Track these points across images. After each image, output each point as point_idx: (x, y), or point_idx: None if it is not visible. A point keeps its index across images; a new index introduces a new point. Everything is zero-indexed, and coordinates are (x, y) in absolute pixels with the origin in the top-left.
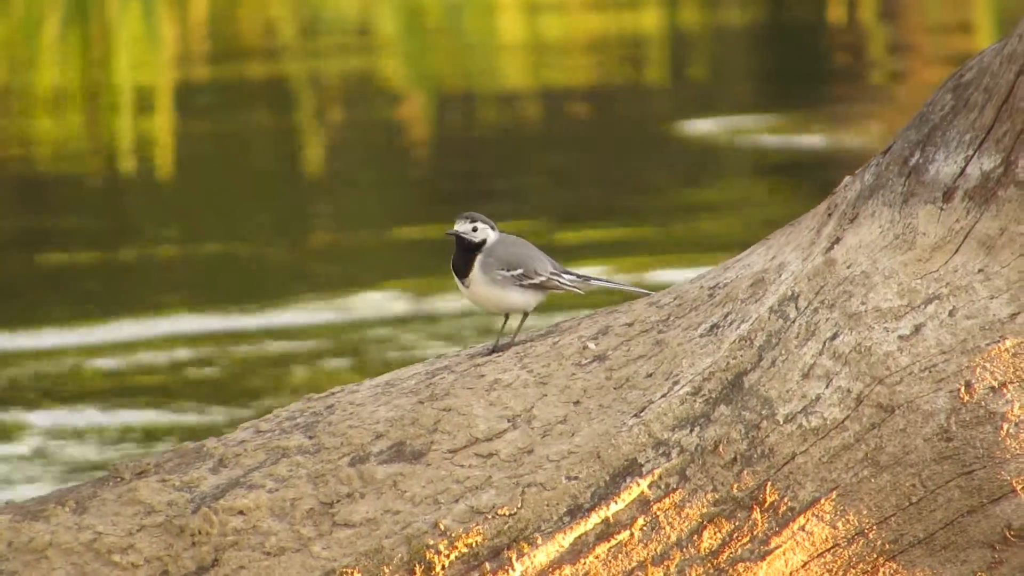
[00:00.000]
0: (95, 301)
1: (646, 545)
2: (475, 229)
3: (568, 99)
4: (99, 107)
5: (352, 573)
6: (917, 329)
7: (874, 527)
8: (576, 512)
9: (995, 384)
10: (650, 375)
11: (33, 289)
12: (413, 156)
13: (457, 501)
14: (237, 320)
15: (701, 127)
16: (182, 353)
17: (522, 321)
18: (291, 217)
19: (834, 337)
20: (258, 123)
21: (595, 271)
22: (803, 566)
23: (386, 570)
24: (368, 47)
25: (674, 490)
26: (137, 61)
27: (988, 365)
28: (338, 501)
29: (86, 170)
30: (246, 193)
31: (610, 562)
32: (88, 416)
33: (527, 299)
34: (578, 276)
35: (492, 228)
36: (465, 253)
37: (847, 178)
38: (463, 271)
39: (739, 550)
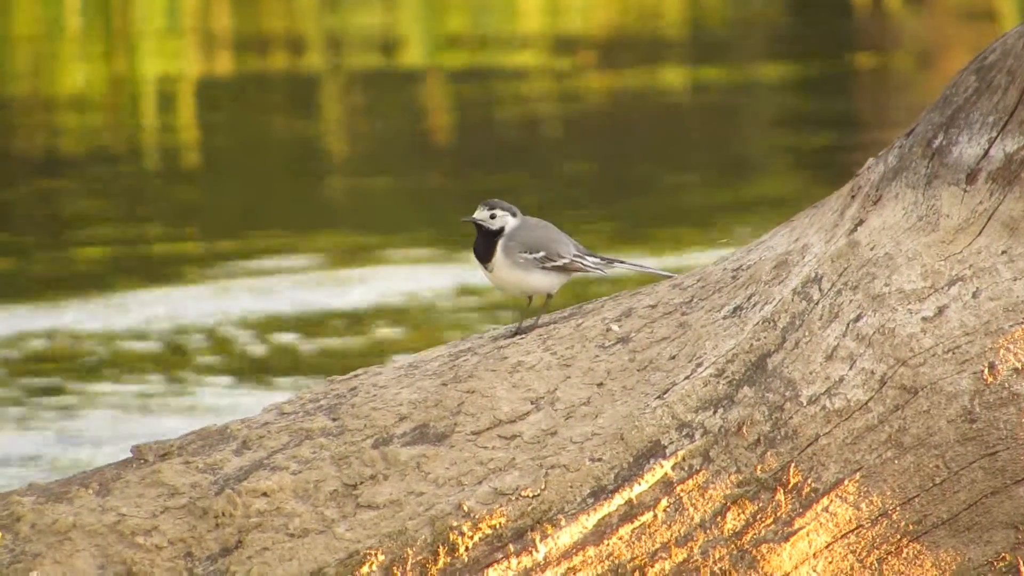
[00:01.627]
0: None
1: (669, 527)
2: (493, 216)
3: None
4: (121, 105)
5: (376, 554)
6: (940, 311)
7: (898, 508)
8: (600, 494)
9: (1019, 365)
10: (673, 357)
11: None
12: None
13: (481, 483)
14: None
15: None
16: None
17: (545, 303)
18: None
19: (857, 319)
20: (278, 120)
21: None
22: (827, 547)
23: (410, 552)
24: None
25: (697, 471)
26: (160, 55)
27: (1012, 347)
28: (362, 483)
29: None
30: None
31: (634, 543)
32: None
33: (551, 281)
34: (602, 259)
35: (513, 215)
36: (486, 239)
37: (870, 160)
38: (485, 256)
39: (763, 531)
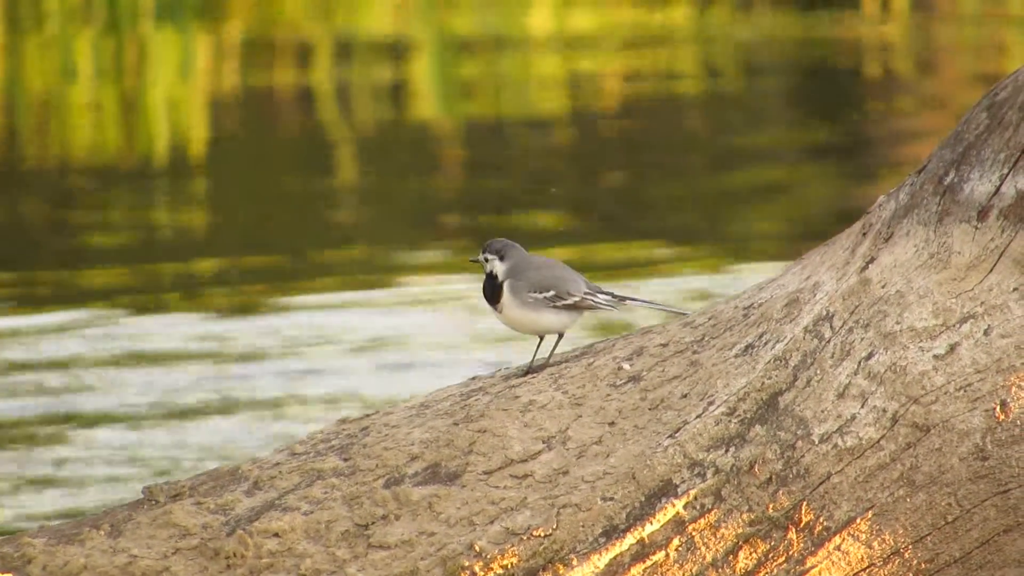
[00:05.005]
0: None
1: (681, 566)
2: (487, 260)
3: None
4: (134, 122)
5: None
6: (952, 348)
7: (910, 546)
8: (612, 533)
9: None
10: (685, 396)
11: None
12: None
13: (492, 522)
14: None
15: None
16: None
17: (557, 342)
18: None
19: (869, 357)
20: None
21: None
22: None
23: None
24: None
25: (709, 510)
26: (170, 80)
27: (1023, 384)
28: (373, 523)
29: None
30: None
31: None
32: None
33: (562, 320)
34: (613, 295)
35: (501, 258)
36: (491, 280)
37: (881, 197)
38: (493, 299)
39: (775, 570)
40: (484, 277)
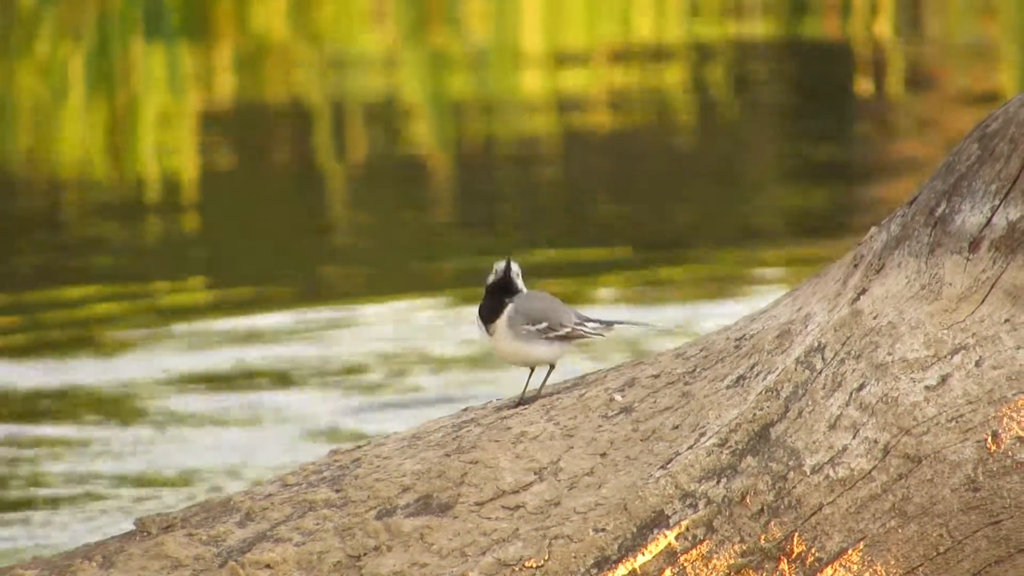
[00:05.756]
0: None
1: None
2: (519, 275)
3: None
4: (123, 161)
5: None
6: (944, 379)
7: None
8: (603, 564)
9: (1022, 434)
10: (676, 427)
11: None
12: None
13: (484, 554)
14: None
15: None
16: None
17: (548, 373)
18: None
19: (860, 388)
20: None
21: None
22: None
23: None
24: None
25: (701, 541)
26: (161, 112)
27: (1015, 415)
28: (365, 554)
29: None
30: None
31: None
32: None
33: (553, 351)
34: (600, 322)
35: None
36: (494, 301)
37: (873, 228)
38: (490, 318)
39: None
40: (484, 298)
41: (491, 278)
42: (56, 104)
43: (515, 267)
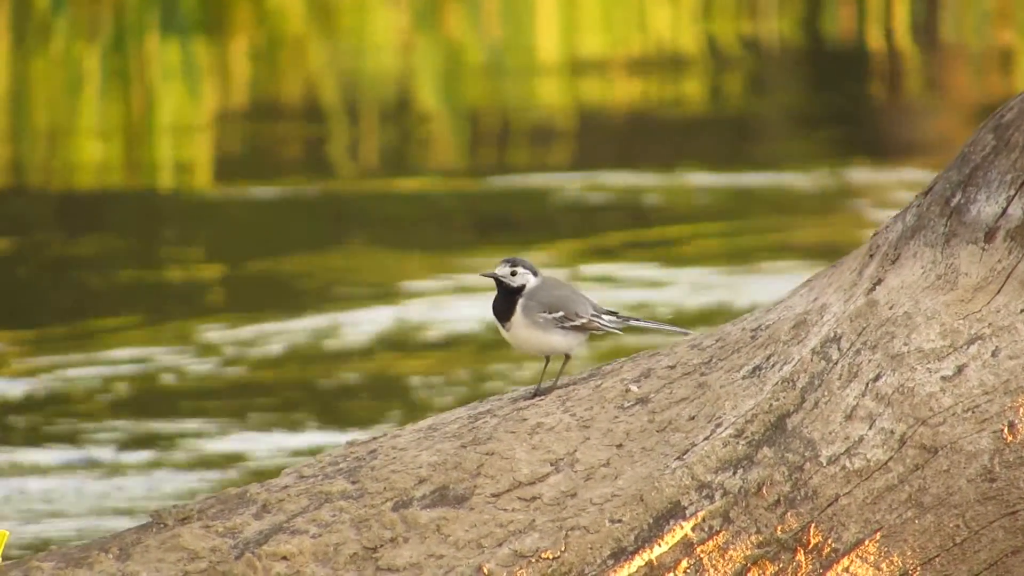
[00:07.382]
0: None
1: None
2: (514, 273)
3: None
4: (139, 165)
5: None
6: (960, 370)
7: (918, 568)
8: (620, 555)
9: None
10: (693, 418)
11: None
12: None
13: (501, 545)
14: None
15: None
16: None
17: (564, 364)
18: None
19: (877, 378)
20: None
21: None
22: None
23: None
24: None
25: (717, 532)
26: (177, 115)
27: None
28: (381, 546)
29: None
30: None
31: None
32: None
33: (569, 341)
34: (618, 316)
35: (534, 274)
36: (506, 297)
37: (888, 219)
38: (504, 315)
39: None
40: (496, 293)
41: (495, 272)
42: (72, 99)
43: (506, 269)
